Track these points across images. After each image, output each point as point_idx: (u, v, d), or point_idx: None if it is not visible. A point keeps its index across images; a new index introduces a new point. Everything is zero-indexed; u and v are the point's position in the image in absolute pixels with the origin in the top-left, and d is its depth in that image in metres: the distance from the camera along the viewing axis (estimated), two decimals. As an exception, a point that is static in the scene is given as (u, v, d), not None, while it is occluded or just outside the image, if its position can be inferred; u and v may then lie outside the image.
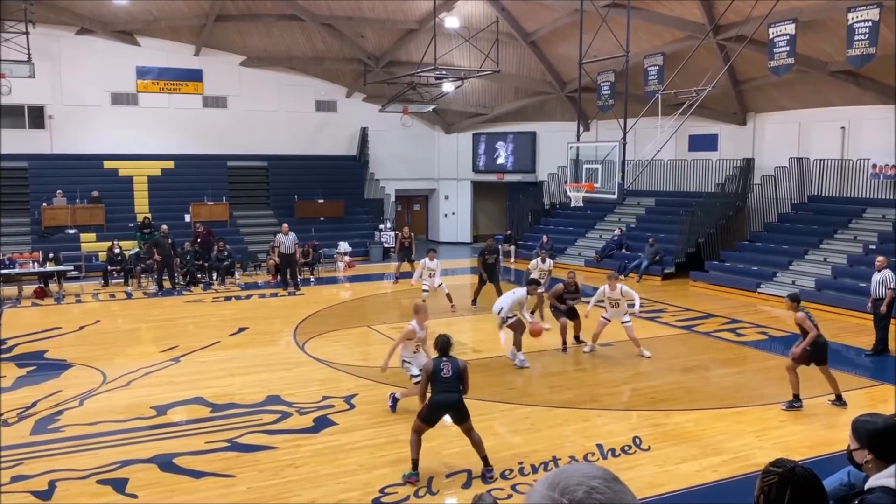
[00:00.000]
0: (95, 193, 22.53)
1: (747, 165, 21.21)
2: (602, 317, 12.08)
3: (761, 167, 21.02)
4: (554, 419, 9.03)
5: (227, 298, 17.50)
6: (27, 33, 19.64)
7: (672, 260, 20.39)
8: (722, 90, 19.25)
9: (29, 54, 19.76)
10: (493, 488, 7.06)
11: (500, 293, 13.46)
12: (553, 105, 25.81)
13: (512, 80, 24.73)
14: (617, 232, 22.08)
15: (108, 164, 23.71)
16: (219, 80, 25.13)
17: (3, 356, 12.01)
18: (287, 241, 18.42)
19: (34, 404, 9.46)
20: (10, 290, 17.49)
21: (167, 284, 18.51)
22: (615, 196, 17.04)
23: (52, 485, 7.09)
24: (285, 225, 19.29)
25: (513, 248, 23.93)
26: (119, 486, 7.11)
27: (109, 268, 19.14)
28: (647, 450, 8.03)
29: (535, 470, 7.50)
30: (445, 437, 8.30)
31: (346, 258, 22.36)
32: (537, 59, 23.41)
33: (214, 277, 19.40)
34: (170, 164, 24.35)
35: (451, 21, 21.36)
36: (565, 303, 12.33)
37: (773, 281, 17.43)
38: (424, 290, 14.84)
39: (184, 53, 24.51)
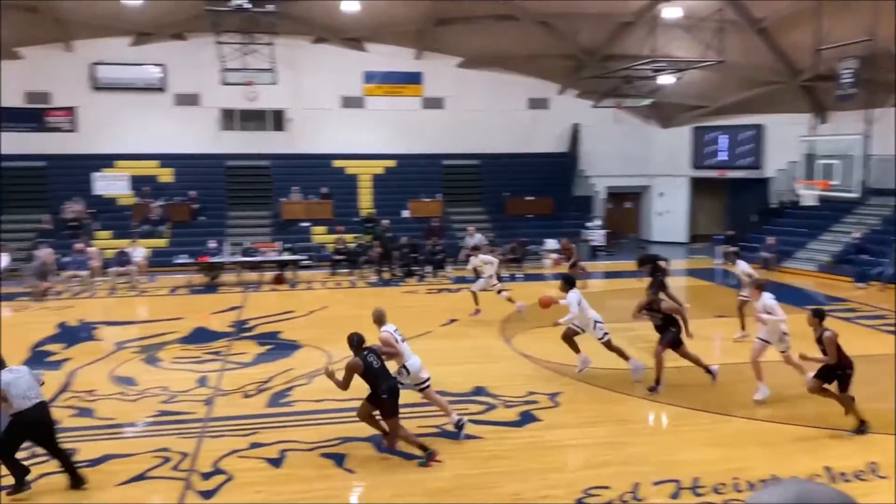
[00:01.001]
0: (325, 190, 24.50)
1: None
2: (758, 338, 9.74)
3: None
4: (773, 435, 8.33)
5: (440, 291, 18.20)
6: (271, 44, 21.74)
7: (924, 267, 18.00)
8: None
9: (273, 63, 21.87)
10: (703, 502, 6.67)
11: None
12: (783, 96, 23.82)
13: (736, 69, 23.17)
14: (857, 235, 19.90)
15: (336, 163, 25.67)
16: (437, 82, 26.19)
17: (246, 335, 13.44)
18: (472, 242, 19.13)
19: (270, 379, 10.47)
20: (253, 276, 19.54)
21: (386, 275, 19.66)
22: (856, 195, 15.33)
23: (282, 454, 7.80)
24: (471, 227, 20.13)
25: (734, 249, 22.41)
26: (339, 460, 7.66)
27: (336, 258, 20.72)
28: (884, 478, 7.16)
29: (751, 487, 6.97)
30: (660, 444, 7.99)
31: (554, 255, 22.31)
32: (766, 47, 21.74)
33: (428, 270, 20.30)
34: (392, 163, 25.82)
35: (670, 11, 20.47)
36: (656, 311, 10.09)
37: None
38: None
39: (405, 57, 25.84)
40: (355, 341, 7.77)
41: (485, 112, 26.22)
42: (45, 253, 18.16)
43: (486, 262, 14.98)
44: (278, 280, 19.28)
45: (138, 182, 23.63)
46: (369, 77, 25.98)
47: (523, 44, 24.75)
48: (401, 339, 8.35)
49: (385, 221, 21.68)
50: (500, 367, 11.10)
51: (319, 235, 23.16)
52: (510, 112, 26.58)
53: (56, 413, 9.05)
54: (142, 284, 18.74)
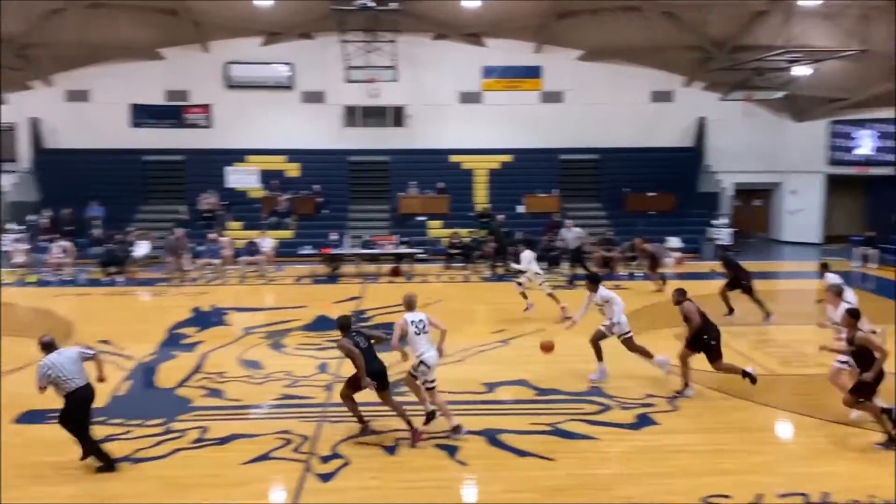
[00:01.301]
0: (441, 185, 24.79)
1: None
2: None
3: None
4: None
5: (554, 287, 17.96)
6: (394, 41, 22.18)
7: None
8: None
9: (394, 60, 22.31)
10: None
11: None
12: (934, 87, 21.92)
13: (881, 59, 21.53)
14: None
15: (453, 158, 25.90)
16: (556, 75, 25.90)
17: (364, 325, 13.81)
18: (569, 235, 18.87)
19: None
20: (371, 268, 20.06)
21: (500, 270, 19.66)
22: None
23: (396, 442, 7.97)
24: (568, 221, 19.97)
25: (875, 252, 20.94)
26: (452, 452, 7.74)
27: (451, 253, 20.93)
28: None
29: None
30: (785, 454, 7.58)
31: (677, 254, 21.57)
32: (918, 34, 20.05)
33: (543, 266, 20.08)
34: (508, 158, 25.79)
35: (809, -2, 19.28)
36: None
37: None
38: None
39: (524, 51, 25.70)
40: (343, 324, 8.15)
41: (605, 105, 25.71)
42: (179, 232, 19.44)
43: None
44: (395, 272, 19.69)
45: (267, 176, 24.80)
46: (488, 72, 26.03)
47: (647, 35, 24.04)
48: (421, 330, 8.28)
49: (500, 216, 21.70)
50: (617, 368, 10.84)
51: (435, 230, 23.46)
52: (632, 105, 25.92)
53: (188, 392, 9.70)
54: (269, 273, 19.64)
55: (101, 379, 7.53)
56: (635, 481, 7.07)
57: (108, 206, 23.16)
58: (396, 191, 24.81)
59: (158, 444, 7.94)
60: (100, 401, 9.30)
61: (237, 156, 25.28)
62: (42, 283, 18.52)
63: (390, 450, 7.80)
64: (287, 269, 20.48)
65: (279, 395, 9.61)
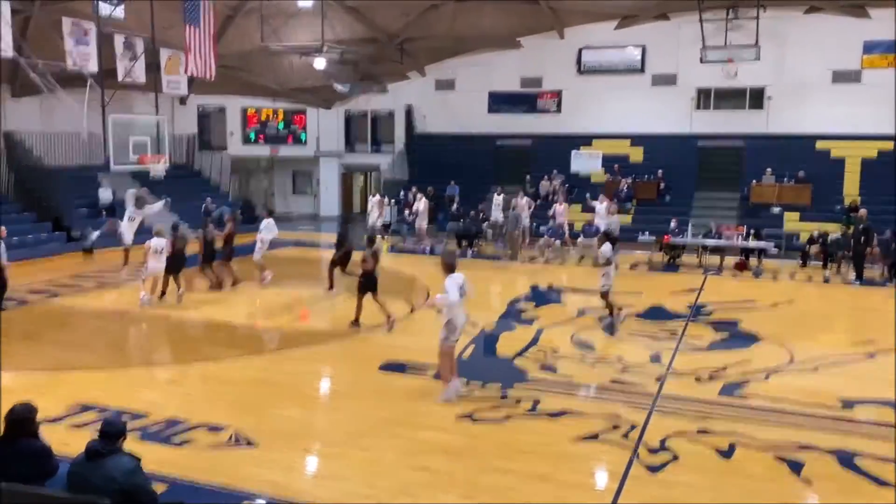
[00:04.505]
0: (802, 173, 22.46)
1: None
2: None
3: None
4: None
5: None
6: (757, 18, 20.55)
7: None
8: None
9: (756, 38, 20.68)
10: None
11: None
12: None
13: None
14: None
15: (820, 145, 23.29)
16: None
17: (702, 319, 13.17)
18: None
19: (724, 368, 10.08)
20: (714, 260, 18.98)
21: (878, 275, 17.19)
22: None
23: (731, 447, 7.46)
24: None
25: None
26: (794, 467, 7.02)
27: (809, 249, 18.89)
28: None
29: None
30: None
31: None
32: None
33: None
34: (888, 145, 22.37)
35: None
36: None
37: None
38: None
39: (919, 21, 21.97)
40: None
41: None
42: (521, 203, 20.26)
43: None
44: (741, 266, 18.38)
45: (609, 160, 24.82)
46: (869, 47, 22.79)
47: None
48: (465, 292, 8.43)
49: (863, 211, 18.74)
50: None
51: (792, 223, 21.36)
52: None
53: (524, 364, 10.18)
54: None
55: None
56: None
57: (462, 185, 25.22)
58: (749, 178, 23.09)
59: (496, 407, 8.48)
60: (448, 361, 10.26)
61: (583, 140, 25.70)
62: (403, 251, 20.97)
63: (725, 453, 7.34)
64: (623, 255, 20.30)
65: (610, 380, 9.62)
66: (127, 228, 17.05)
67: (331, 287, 14.95)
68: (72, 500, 3.59)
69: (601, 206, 20.33)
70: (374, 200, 22.00)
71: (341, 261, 14.81)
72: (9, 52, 16.57)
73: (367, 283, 11.71)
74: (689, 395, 9.00)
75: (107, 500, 4.09)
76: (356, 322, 11.93)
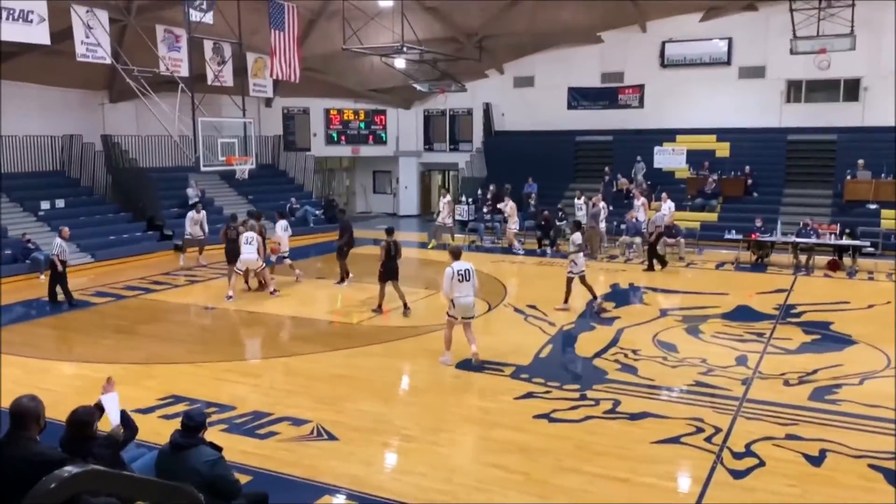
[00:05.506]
0: (903, 168, 21.26)
1: None
2: None
3: None
4: None
5: None
6: (853, 5, 19.56)
7: None
8: None
9: (852, 27, 19.68)
10: None
11: None
12: None
13: None
14: None
15: (923, 138, 21.97)
16: None
17: (791, 320, 12.66)
18: None
19: (815, 371, 9.68)
20: (803, 258, 18.19)
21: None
22: None
23: (822, 453, 7.16)
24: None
25: None
26: (890, 477, 6.67)
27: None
28: None
29: None
30: None
31: None
32: None
33: None
34: None
35: None
36: None
37: None
38: None
39: None
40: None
41: None
42: (600, 205, 19.96)
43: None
44: (833, 266, 17.56)
45: (694, 156, 24.12)
46: (980, 33, 21.37)
47: None
48: (464, 278, 9.64)
49: None
50: None
51: (889, 220, 20.27)
52: None
53: (604, 364, 10.04)
54: (689, 256, 19.20)
55: None
56: None
57: (540, 183, 24.99)
58: (843, 174, 22.00)
59: (574, 408, 8.39)
60: (524, 359, 10.25)
61: (666, 135, 25.06)
62: (479, 249, 20.96)
63: (814, 460, 7.04)
64: (708, 252, 19.77)
65: (692, 382, 9.37)
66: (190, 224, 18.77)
67: (345, 277, 15.68)
68: (163, 485, 3.78)
69: (637, 202, 20.54)
70: (444, 201, 22.15)
71: (346, 247, 15.59)
72: (107, 59, 17.48)
73: (388, 272, 12.83)
74: (776, 399, 8.68)
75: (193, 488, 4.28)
76: (379, 308, 13.05)
